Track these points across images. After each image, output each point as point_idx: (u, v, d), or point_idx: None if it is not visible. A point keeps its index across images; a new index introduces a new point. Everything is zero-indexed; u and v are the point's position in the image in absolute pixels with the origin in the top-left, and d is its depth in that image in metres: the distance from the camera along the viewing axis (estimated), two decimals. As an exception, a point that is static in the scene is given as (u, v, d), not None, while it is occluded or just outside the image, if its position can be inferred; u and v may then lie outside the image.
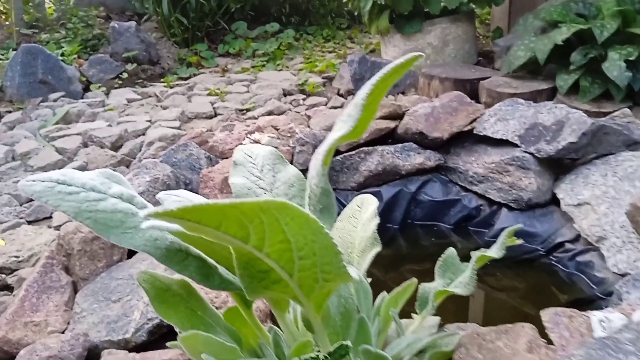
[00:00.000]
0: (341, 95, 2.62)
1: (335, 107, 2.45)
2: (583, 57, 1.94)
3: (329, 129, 1.66)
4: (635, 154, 1.32)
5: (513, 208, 1.45)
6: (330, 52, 3.85)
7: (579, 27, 1.91)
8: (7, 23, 3.81)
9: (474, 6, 2.56)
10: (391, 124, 1.66)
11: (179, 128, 2.14)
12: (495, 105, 1.58)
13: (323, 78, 2.89)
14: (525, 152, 1.43)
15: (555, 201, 1.43)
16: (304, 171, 1.48)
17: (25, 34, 3.65)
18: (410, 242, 1.56)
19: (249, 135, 1.46)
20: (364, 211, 0.86)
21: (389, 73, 0.60)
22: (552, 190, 1.43)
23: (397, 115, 1.68)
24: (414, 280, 0.80)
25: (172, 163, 1.29)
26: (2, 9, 4.09)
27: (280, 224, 0.40)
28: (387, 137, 1.67)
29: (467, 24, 2.63)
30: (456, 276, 0.77)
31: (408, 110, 1.71)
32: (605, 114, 1.86)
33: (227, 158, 1.44)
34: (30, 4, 3.96)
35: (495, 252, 0.74)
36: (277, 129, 1.62)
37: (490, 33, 3.19)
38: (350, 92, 2.54)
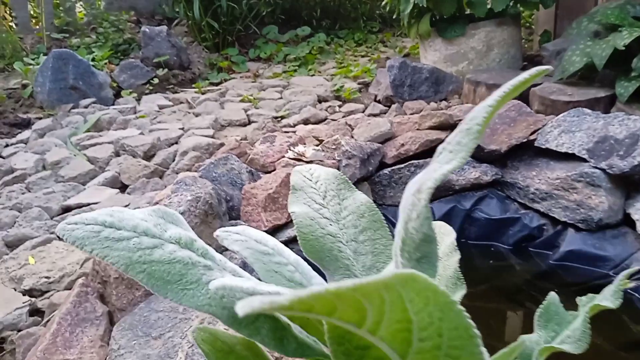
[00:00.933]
0: (379, 102, 2.50)
1: (374, 115, 2.35)
2: (648, 63, 1.79)
3: (374, 139, 1.55)
4: None
5: (581, 229, 1.32)
6: (362, 56, 3.74)
7: (643, 30, 1.76)
8: (37, 27, 3.80)
9: (521, 8, 2.42)
10: (442, 135, 1.54)
11: (212, 136, 2.05)
12: (560, 115, 1.45)
13: (359, 84, 2.79)
14: (596, 167, 1.30)
15: (628, 222, 1.30)
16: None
17: (55, 38, 3.63)
18: (464, 264, 1.43)
19: (291, 148, 1.36)
20: (441, 243, 0.74)
21: (509, 92, 0.49)
22: (624, 209, 1.30)
23: (449, 126, 1.57)
24: (522, 339, 0.67)
25: (212, 178, 1.20)
26: (32, 13, 4.09)
27: (403, 302, 0.30)
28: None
29: (513, 27, 2.50)
30: (561, 328, 0.66)
31: (460, 119, 1.59)
32: (673, 124, 1.71)
33: (269, 172, 1.34)
34: (61, 8, 3.95)
35: (610, 300, 0.62)
36: (320, 140, 1.52)
37: (533, 37, 3.05)
38: (389, 99, 2.43)
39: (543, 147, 1.41)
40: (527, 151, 1.47)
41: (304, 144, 1.46)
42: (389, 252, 0.66)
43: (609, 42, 1.86)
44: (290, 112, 2.41)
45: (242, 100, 2.60)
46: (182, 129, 2.15)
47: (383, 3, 2.72)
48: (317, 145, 1.46)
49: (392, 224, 1.43)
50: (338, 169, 1.35)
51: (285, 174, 1.22)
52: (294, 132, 1.63)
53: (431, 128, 1.57)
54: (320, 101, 2.59)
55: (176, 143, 1.99)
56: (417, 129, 1.59)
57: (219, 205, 1.07)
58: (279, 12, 4.16)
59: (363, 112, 2.42)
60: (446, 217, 1.42)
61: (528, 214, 1.40)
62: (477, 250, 1.44)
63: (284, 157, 1.34)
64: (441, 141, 1.53)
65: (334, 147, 1.39)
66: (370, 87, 2.72)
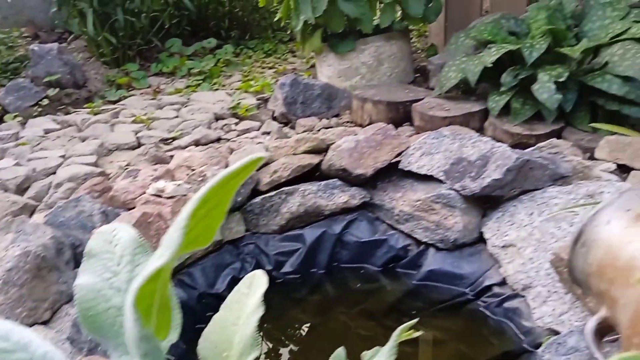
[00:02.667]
0: (275, 119, 2.51)
1: (267, 133, 2.35)
2: (513, 78, 1.89)
3: (248, 166, 1.54)
4: (561, 190, 1.27)
5: (440, 248, 1.37)
6: (270, 67, 3.73)
7: (508, 48, 1.86)
8: None
9: (407, 24, 2.50)
10: (315, 159, 1.56)
11: (95, 164, 1.98)
12: (421, 137, 1.50)
13: (258, 99, 2.77)
14: (451, 189, 1.36)
15: (484, 240, 1.36)
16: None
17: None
18: (337, 287, 1.46)
19: (155, 182, 1.33)
20: (251, 295, 0.74)
21: (219, 183, 0.49)
22: (480, 227, 1.36)
23: (321, 150, 1.59)
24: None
25: (59, 224, 1.15)
26: None
27: None
28: (313, 172, 1.58)
29: (402, 42, 2.57)
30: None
31: (333, 143, 1.62)
32: (537, 137, 1.82)
33: (131, 209, 1.31)
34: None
35: (385, 357, 0.64)
36: (193, 170, 1.49)
37: (427, 48, 3.15)
38: (285, 116, 2.43)
39: (406, 169, 1.46)
40: (396, 172, 1.51)
41: (173, 176, 1.43)
42: (174, 323, 0.65)
43: (481, 59, 1.95)
44: (184, 133, 2.37)
45: (134, 121, 2.52)
46: (64, 156, 2.06)
47: (276, 18, 2.72)
48: (192, 174, 1.44)
49: (264, 254, 1.43)
50: (202, 202, 1.33)
51: (141, 213, 1.19)
52: (186, 152, 1.59)
53: (306, 152, 1.58)
54: (217, 119, 2.56)
55: (54, 173, 1.91)
56: (293, 154, 1.60)
57: (57, 256, 1.03)
58: (184, 23, 4.08)
59: (259, 129, 2.42)
60: (317, 242, 1.44)
61: (394, 235, 1.44)
62: (349, 273, 1.46)
63: (144, 193, 1.31)
64: (313, 166, 1.55)
65: (200, 179, 1.37)
66: (269, 102, 2.72)
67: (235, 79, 3.46)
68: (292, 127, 2.39)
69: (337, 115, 2.42)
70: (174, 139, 2.30)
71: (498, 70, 1.96)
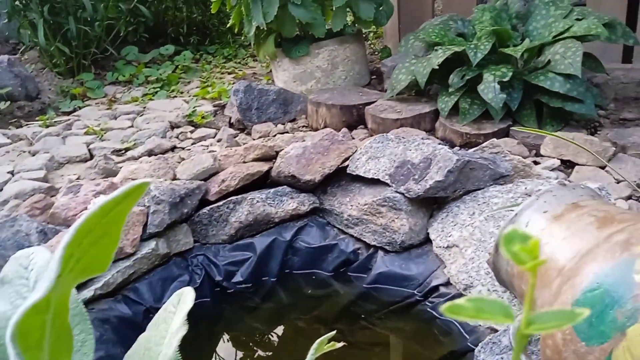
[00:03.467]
0: (232, 126, 2.49)
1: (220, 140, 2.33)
2: (460, 79, 1.92)
3: (197, 177, 1.54)
4: (501, 189, 1.29)
5: (389, 251, 1.38)
6: (229, 72, 3.72)
7: (454, 49, 1.89)
8: None
9: (358, 27, 2.51)
10: (264, 167, 1.56)
11: (44, 179, 1.93)
12: (366, 141, 1.51)
13: (214, 106, 2.76)
14: (396, 191, 1.37)
15: (431, 240, 1.37)
16: (159, 234, 1.35)
17: None
18: (290, 294, 1.46)
19: (96, 197, 1.31)
20: (177, 313, 0.74)
21: (98, 212, 0.48)
22: (426, 228, 1.38)
23: (270, 157, 1.59)
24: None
25: (-7, 245, 1.13)
26: None
27: None
28: (263, 180, 1.57)
29: (356, 45, 2.59)
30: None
31: (282, 149, 1.62)
32: (486, 136, 1.85)
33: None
34: None
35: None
36: (139, 182, 1.47)
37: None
38: (241, 123, 2.42)
39: (354, 173, 1.47)
40: (345, 177, 1.52)
41: (117, 189, 1.41)
42: (86, 348, 0.64)
43: (429, 60, 1.97)
44: (137, 143, 2.34)
45: (86, 133, 2.48)
46: (12, 172, 2.01)
47: (229, 24, 2.71)
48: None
49: (213, 264, 1.41)
50: (147, 215, 1.32)
51: (81, 230, 1.17)
52: (134, 164, 1.56)
53: (255, 160, 1.58)
54: (172, 127, 2.54)
55: (1, 190, 1.86)
56: (243, 162, 1.59)
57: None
58: (142, 30, 4.02)
59: (214, 136, 2.40)
60: (268, 250, 1.44)
61: (344, 240, 1.45)
62: (302, 279, 1.47)
63: (86, 209, 1.29)
64: (262, 173, 1.55)
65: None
66: (226, 108, 2.70)
67: (193, 85, 3.43)
68: (249, 134, 2.38)
69: (293, 120, 2.42)
70: (127, 149, 2.27)
71: (447, 71, 1.99)
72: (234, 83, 3.22)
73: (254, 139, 2.31)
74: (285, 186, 1.51)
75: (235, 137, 2.36)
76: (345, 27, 2.44)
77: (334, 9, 2.38)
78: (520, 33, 2.09)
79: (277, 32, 2.51)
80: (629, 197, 1.46)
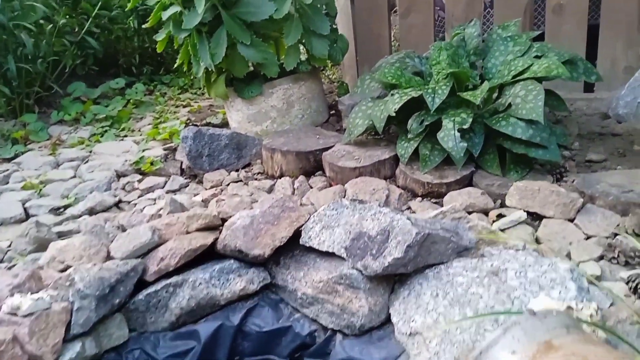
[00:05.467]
0: (183, 172, 2.34)
1: (173, 191, 2.18)
2: (419, 125, 1.82)
3: (134, 254, 1.38)
4: (466, 266, 1.18)
5: (347, 334, 1.25)
6: (185, 105, 3.56)
7: (411, 95, 1.79)
8: None
9: (313, 65, 2.40)
10: (209, 238, 1.42)
11: (-31, 249, 1.75)
12: (320, 209, 1.38)
13: (165, 149, 2.60)
14: (354, 268, 1.25)
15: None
16: (84, 334, 1.19)
17: None
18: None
19: (12, 294, 1.15)
20: None
21: None
22: (388, 305, 1.26)
23: (216, 226, 1.44)
24: None
25: None
26: None
27: None
28: (207, 254, 1.43)
29: (311, 82, 2.47)
30: None
31: (230, 216, 1.48)
32: (448, 185, 1.75)
33: (-16, 329, 1.11)
34: None
35: None
36: (63, 270, 1.31)
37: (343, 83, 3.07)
38: (192, 170, 2.27)
39: (307, 245, 1.34)
40: (298, 246, 1.39)
41: (40, 278, 1.25)
42: None
43: (386, 104, 1.87)
44: (79, 198, 2.16)
45: (24, 187, 2.29)
46: None
47: (176, 64, 2.56)
48: (59, 278, 1.25)
49: (149, 356, 1.26)
50: (71, 313, 1.16)
51: (-11, 343, 1.00)
52: (63, 240, 1.40)
53: (199, 230, 1.43)
54: (119, 176, 2.37)
55: None
56: (186, 231, 1.45)
57: None
58: (91, 62, 3.83)
59: (164, 186, 2.24)
60: (214, 337, 1.29)
61: (299, 321, 1.31)
62: (254, 366, 1.32)
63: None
64: (207, 247, 1.40)
65: (68, 283, 1.20)
66: (177, 151, 2.54)
67: (146, 121, 3.26)
68: (200, 182, 2.23)
69: (248, 165, 2.28)
70: (66, 207, 2.09)
71: (405, 114, 1.89)
72: (187, 120, 3.08)
73: (205, 189, 2.17)
74: (232, 260, 1.37)
75: (185, 187, 2.21)
76: (299, 65, 2.32)
77: (286, 47, 2.26)
78: (478, 72, 2.01)
79: (228, 71, 2.38)
80: (600, 258, 1.37)
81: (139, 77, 4.09)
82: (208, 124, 2.99)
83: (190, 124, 3.07)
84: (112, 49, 4.05)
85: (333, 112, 2.68)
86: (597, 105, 2.31)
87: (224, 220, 1.48)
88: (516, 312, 0.84)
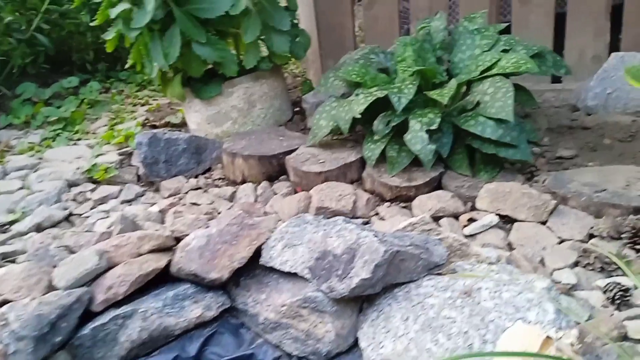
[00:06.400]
0: (139, 179, 2.21)
1: (128, 201, 2.05)
2: (385, 126, 1.74)
3: (80, 281, 1.27)
4: (437, 285, 1.11)
5: (314, 361, 1.17)
6: (143, 104, 3.40)
7: (376, 95, 1.70)
8: None
9: (274, 62, 2.28)
10: (162, 261, 1.31)
11: None
12: (282, 225, 1.29)
13: (120, 154, 2.45)
14: (318, 290, 1.16)
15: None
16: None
17: None
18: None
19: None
20: None
21: None
22: (356, 327, 1.18)
23: (169, 247, 1.34)
24: None
25: None
26: None
27: None
28: (162, 276, 1.32)
29: (274, 80, 2.36)
30: None
31: (185, 234, 1.37)
32: (417, 188, 1.68)
33: None
34: None
35: None
36: (6, 302, 1.19)
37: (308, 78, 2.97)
38: (149, 177, 2.14)
39: (268, 265, 1.24)
40: (259, 265, 1.29)
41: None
42: None
43: (350, 105, 1.78)
44: (26, 212, 2.01)
45: (-34, 203, 2.12)
46: None
47: (128, 64, 2.41)
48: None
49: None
50: (5, 356, 1.04)
51: None
52: (10, 264, 1.27)
53: (151, 252, 1.32)
54: (70, 186, 2.22)
55: None
56: (138, 253, 1.33)
57: None
58: (42, 61, 3.63)
59: (118, 196, 2.11)
60: (170, 370, 1.19)
61: (262, 347, 1.22)
62: (215, 397, 1.23)
63: None
64: (160, 270, 1.29)
65: (2, 323, 1.08)
66: (134, 156, 2.40)
67: (101, 122, 3.10)
68: (157, 190, 2.11)
69: (209, 170, 2.16)
70: (12, 222, 1.94)
71: (371, 115, 1.80)
72: (145, 120, 2.93)
73: (163, 197, 2.04)
74: (187, 285, 1.27)
75: (142, 196, 2.08)
76: (260, 62, 2.21)
77: (245, 44, 2.14)
78: (445, 67, 1.93)
79: (184, 70, 2.24)
80: (575, 264, 1.32)
81: (94, 75, 3.90)
82: (167, 124, 2.85)
83: (148, 124, 2.92)
84: (64, 46, 3.84)
85: (297, 109, 2.57)
86: (565, 97, 2.27)
87: (178, 240, 1.37)
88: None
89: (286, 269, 1.21)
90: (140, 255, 1.34)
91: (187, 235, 1.36)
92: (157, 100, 3.46)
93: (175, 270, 1.29)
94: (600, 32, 2.25)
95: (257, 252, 1.30)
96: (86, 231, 1.80)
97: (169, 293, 1.25)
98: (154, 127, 2.87)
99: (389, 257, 1.11)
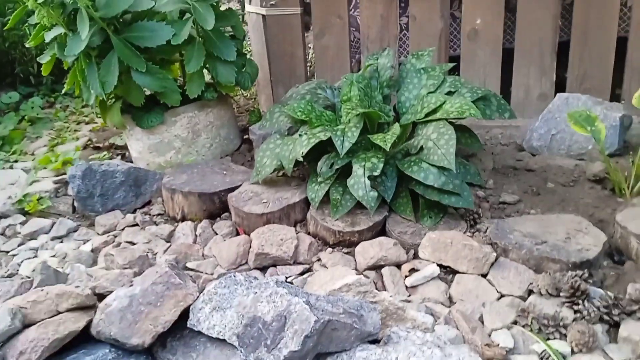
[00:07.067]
0: (75, 211, 2.09)
1: (59, 238, 1.94)
2: (329, 168, 1.69)
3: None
4: (369, 357, 1.06)
5: None
6: (87, 122, 3.26)
7: (320, 138, 1.65)
8: None
9: (219, 92, 2.21)
10: (81, 322, 1.22)
11: None
12: (211, 285, 1.22)
13: (56, 182, 2.31)
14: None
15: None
16: None
17: None
18: None
19: None
20: None
21: None
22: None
23: (89, 306, 1.25)
24: None
25: None
26: None
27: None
28: (82, 335, 1.23)
29: (219, 108, 2.29)
30: None
31: (110, 291, 1.29)
32: (360, 233, 1.64)
33: None
34: None
35: None
36: None
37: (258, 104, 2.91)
38: (83, 212, 2.03)
39: (195, 329, 1.17)
40: (186, 326, 1.22)
41: None
42: None
43: (295, 143, 1.73)
44: (-53, 249, 1.87)
45: None
46: None
47: (65, 89, 2.29)
48: None
49: None
50: None
51: None
52: None
53: (70, 310, 1.23)
54: (0, 217, 2.09)
55: None
56: (56, 311, 1.24)
57: None
58: (-19, 72, 3.45)
59: (49, 231, 1.99)
60: None
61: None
62: None
63: None
64: (79, 332, 1.21)
65: None
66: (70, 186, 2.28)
67: (42, 142, 2.95)
68: (92, 225, 2.00)
69: (148, 203, 2.07)
70: None
71: (316, 154, 1.75)
72: (88, 142, 2.80)
73: (98, 234, 1.94)
74: (107, 349, 1.19)
75: (75, 232, 1.97)
76: (205, 92, 2.13)
77: (188, 74, 2.06)
78: (392, 104, 1.90)
79: (123, 97, 2.15)
80: (514, 323, 1.30)
81: (39, 88, 3.73)
82: (111, 146, 2.74)
83: (91, 145, 2.80)
84: (6, 57, 3.67)
85: (246, 136, 2.50)
86: (512, 133, 2.28)
87: (100, 296, 1.28)
88: None
89: (214, 334, 1.15)
90: (59, 313, 1.25)
91: (110, 292, 1.28)
92: (101, 118, 3.33)
93: (95, 332, 1.20)
94: (546, 71, 2.27)
95: (185, 312, 1.23)
96: (8, 275, 1.69)
97: (86, 358, 1.16)
98: (97, 148, 2.75)
99: (320, 327, 1.06)
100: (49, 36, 2.00)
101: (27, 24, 3.47)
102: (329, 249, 1.66)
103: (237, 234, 1.80)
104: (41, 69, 2.19)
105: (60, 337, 1.17)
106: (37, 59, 2.20)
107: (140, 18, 1.97)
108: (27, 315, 1.25)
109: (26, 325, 1.24)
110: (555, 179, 1.86)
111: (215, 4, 2.01)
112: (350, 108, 1.70)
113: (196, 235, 1.80)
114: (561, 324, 1.24)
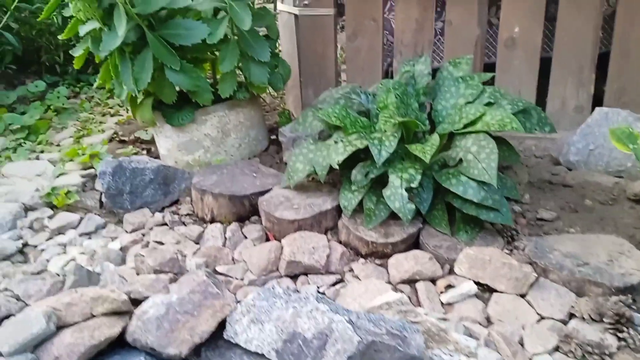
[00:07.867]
0: (102, 206, 2.08)
1: (87, 234, 1.93)
2: (364, 177, 1.66)
3: (25, 347, 1.15)
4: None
5: None
6: (113, 114, 3.26)
7: (356, 146, 1.62)
8: None
9: (251, 93, 2.19)
10: (117, 327, 1.20)
11: None
12: (249, 297, 1.20)
13: (84, 176, 2.31)
14: (285, 376, 1.08)
15: None
16: None
17: None
18: None
19: None
20: None
21: None
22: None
23: (124, 312, 1.23)
24: None
25: None
26: None
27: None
28: (116, 341, 1.21)
29: (250, 109, 2.26)
30: None
31: (146, 297, 1.27)
32: (394, 245, 1.61)
33: None
34: None
35: None
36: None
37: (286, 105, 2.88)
38: (111, 209, 2.02)
39: (233, 341, 1.15)
40: (222, 337, 1.20)
41: None
42: None
43: (329, 150, 1.70)
44: (-24, 241, 1.87)
45: None
46: None
47: (95, 85, 2.28)
48: None
49: None
50: None
51: None
52: None
53: (105, 315, 1.22)
54: (27, 210, 2.08)
55: None
56: (91, 315, 1.23)
57: None
58: (8, 61, 3.45)
59: (77, 226, 1.98)
60: None
61: None
62: None
63: None
64: (115, 338, 1.19)
65: None
66: (97, 180, 2.27)
67: (67, 133, 2.95)
68: (120, 222, 1.99)
69: (176, 202, 2.05)
70: (-41, 254, 1.80)
71: (350, 161, 1.72)
72: (114, 134, 2.80)
73: (126, 231, 1.93)
74: (142, 356, 1.17)
75: (103, 228, 1.96)
76: (236, 92, 2.11)
77: (221, 74, 2.04)
78: (427, 114, 1.87)
79: (155, 94, 2.13)
80: (555, 349, 1.26)
81: (64, 77, 3.74)
82: (137, 140, 2.73)
83: (117, 139, 2.80)
84: (33, 45, 3.67)
85: (274, 136, 2.48)
86: (546, 145, 2.23)
87: (135, 302, 1.27)
88: None
89: (252, 348, 1.13)
90: (93, 316, 1.23)
91: (145, 297, 1.26)
92: (128, 110, 3.32)
93: (130, 339, 1.18)
94: (583, 83, 2.22)
95: (222, 322, 1.21)
96: (39, 272, 1.68)
97: (121, 368, 1.14)
98: (123, 142, 2.75)
99: (362, 349, 1.03)
100: (83, 30, 1.99)
101: (55, 14, 3.48)
102: (362, 260, 1.63)
103: (267, 238, 1.78)
104: (67, 58, 2.18)
105: (96, 344, 1.15)
106: (70, 51, 2.19)
107: (175, 15, 1.95)
108: (61, 317, 1.24)
109: (59, 327, 1.23)
110: (594, 196, 1.81)
111: (251, 3, 1.98)
112: (388, 116, 1.67)
113: (225, 238, 1.78)
114: (606, 352, 1.20)
